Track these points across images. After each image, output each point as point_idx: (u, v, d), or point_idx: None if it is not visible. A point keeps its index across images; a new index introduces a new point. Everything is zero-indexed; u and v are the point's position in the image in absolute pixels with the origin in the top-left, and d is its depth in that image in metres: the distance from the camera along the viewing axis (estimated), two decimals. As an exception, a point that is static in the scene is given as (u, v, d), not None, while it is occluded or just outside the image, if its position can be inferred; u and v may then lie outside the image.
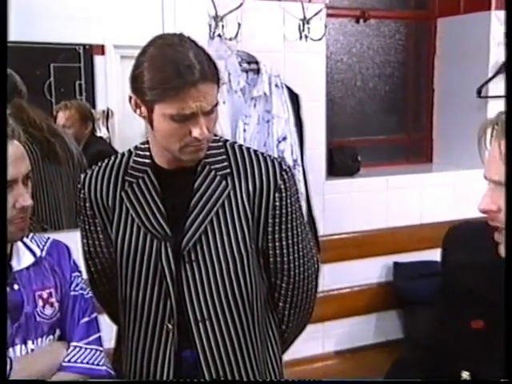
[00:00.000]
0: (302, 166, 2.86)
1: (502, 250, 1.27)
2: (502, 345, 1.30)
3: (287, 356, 2.54)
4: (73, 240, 1.67)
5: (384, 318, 3.28)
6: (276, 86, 2.77)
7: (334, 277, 3.08)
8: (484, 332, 1.34)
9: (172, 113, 1.41)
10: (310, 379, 2.90)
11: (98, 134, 2.72)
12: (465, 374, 1.36)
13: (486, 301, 1.34)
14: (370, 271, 3.23)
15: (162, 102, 1.41)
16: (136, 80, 1.45)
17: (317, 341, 3.11)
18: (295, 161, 2.82)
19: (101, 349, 1.53)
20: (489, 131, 1.26)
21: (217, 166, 1.57)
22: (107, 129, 2.69)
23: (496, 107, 1.30)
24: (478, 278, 1.37)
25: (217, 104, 1.46)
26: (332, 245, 3.02)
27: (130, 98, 1.49)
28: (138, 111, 1.49)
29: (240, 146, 1.63)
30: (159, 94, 1.40)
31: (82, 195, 1.63)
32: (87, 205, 1.62)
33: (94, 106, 2.67)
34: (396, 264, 3.24)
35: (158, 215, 1.56)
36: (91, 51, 2.59)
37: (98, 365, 1.50)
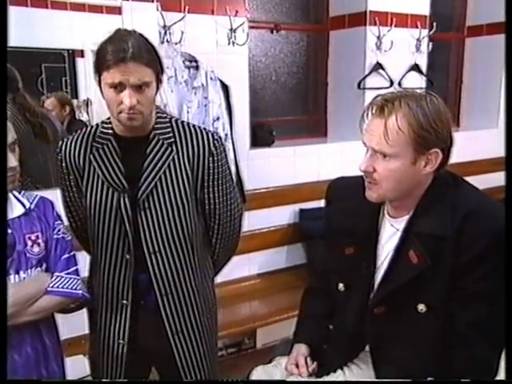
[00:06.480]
0: (232, 139, 2.82)
1: (368, 194, 1.32)
2: (367, 263, 1.36)
3: (223, 278, 2.56)
4: (59, 195, 1.65)
5: (293, 249, 3.30)
6: (211, 78, 2.71)
7: (257, 220, 3.07)
8: (354, 255, 1.39)
9: (108, 82, 1.37)
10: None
11: (81, 117, 2.63)
12: (340, 285, 1.41)
13: (355, 234, 1.37)
14: (283, 216, 3.24)
15: (102, 72, 1.38)
16: (95, 58, 1.41)
17: (244, 267, 3.12)
18: (226, 135, 2.78)
19: (78, 277, 1.50)
20: (369, 110, 1.27)
21: (164, 136, 1.53)
22: (87, 114, 2.62)
23: (371, 96, 1.31)
24: (349, 218, 1.40)
25: (148, 83, 1.40)
26: (255, 197, 3.02)
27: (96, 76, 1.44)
28: (98, 87, 1.44)
29: (182, 122, 1.59)
30: (101, 66, 1.38)
31: (59, 157, 1.57)
32: (63, 165, 1.56)
33: (77, 97, 2.59)
34: (301, 210, 3.25)
35: (118, 173, 1.51)
36: (74, 55, 2.52)
37: (75, 289, 1.47)
